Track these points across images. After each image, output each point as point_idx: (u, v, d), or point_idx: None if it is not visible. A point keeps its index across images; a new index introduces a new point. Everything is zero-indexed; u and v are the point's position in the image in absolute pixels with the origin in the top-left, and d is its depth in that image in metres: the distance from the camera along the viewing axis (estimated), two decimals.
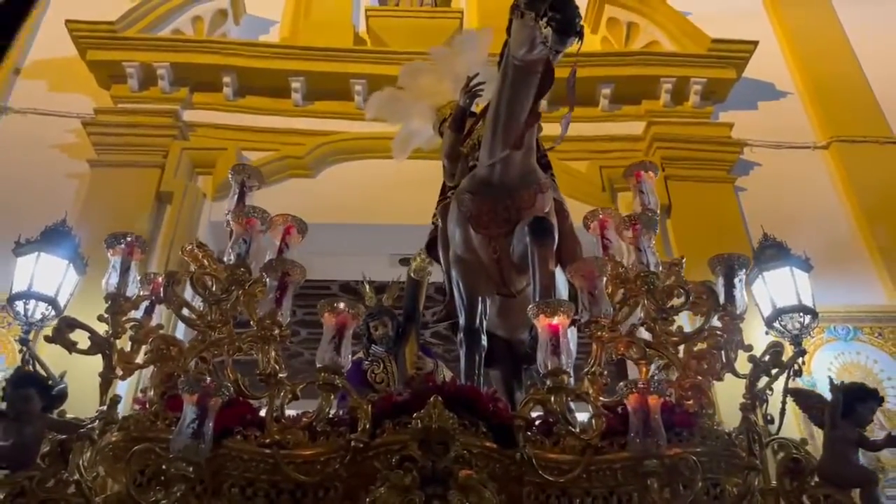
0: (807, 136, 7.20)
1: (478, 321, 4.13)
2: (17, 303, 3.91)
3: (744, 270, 3.61)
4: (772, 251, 3.75)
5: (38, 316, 3.94)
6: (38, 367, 3.56)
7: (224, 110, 7.01)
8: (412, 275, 4.65)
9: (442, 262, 4.52)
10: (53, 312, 3.87)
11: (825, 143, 7.12)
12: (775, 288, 3.68)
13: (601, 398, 3.34)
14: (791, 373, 3.55)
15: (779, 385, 3.58)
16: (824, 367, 5.61)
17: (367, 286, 4.93)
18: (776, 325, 3.71)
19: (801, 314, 3.68)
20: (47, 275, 3.87)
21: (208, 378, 3.09)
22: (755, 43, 7.07)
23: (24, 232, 4.01)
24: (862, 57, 7.61)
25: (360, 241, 6.61)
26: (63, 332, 3.41)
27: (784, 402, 3.57)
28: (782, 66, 7.61)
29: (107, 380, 3.34)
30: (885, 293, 6.17)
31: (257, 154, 6.76)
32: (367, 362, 4.68)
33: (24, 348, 3.60)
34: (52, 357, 3.71)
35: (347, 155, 7.00)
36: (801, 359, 3.66)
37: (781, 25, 7.87)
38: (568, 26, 3.14)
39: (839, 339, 5.82)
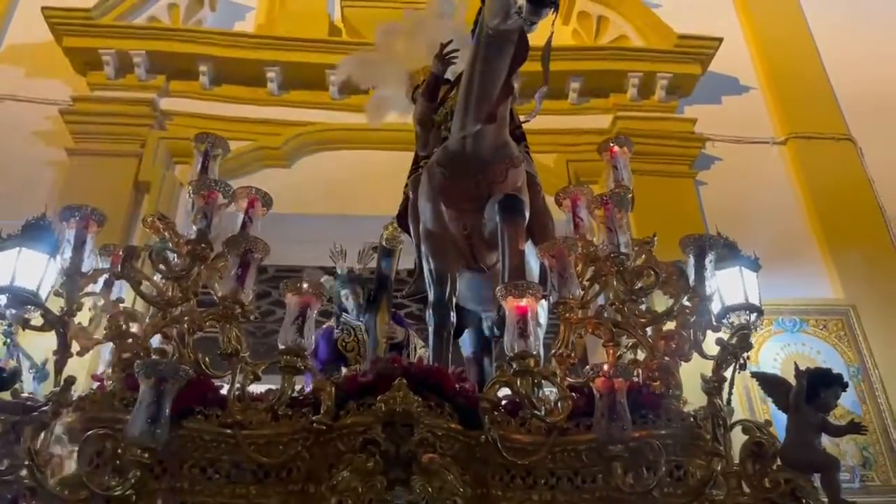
0: (766, 132, 7.06)
1: (447, 296, 3.87)
2: None
3: (714, 252, 3.37)
4: (723, 251, 3.55)
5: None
6: (21, 358, 3.26)
7: (201, 99, 6.75)
8: (384, 243, 4.38)
9: (412, 235, 4.25)
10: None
11: (783, 138, 6.99)
12: (725, 286, 3.48)
13: (568, 378, 3.13)
14: (737, 367, 3.33)
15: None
16: (770, 358, 5.61)
17: (340, 255, 4.65)
18: (724, 321, 3.50)
19: (748, 312, 3.46)
20: (29, 269, 3.61)
21: (164, 362, 2.81)
22: (720, 39, 6.90)
23: (4, 221, 3.77)
24: (825, 54, 7.45)
25: (335, 230, 6.31)
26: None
27: (730, 393, 3.35)
28: (747, 61, 7.44)
29: (62, 359, 3.04)
30: (831, 287, 6.16)
31: (234, 144, 6.25)
32: (338, 331, 4.42)
33: (9, 340, 3.32)
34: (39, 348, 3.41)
35: (323, 145, 6.81)
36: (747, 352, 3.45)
37: (748, 20, 7.69)
38: None
39: (786, 330, 5.82)
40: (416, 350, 4.37)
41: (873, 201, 6.64)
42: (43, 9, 6.59)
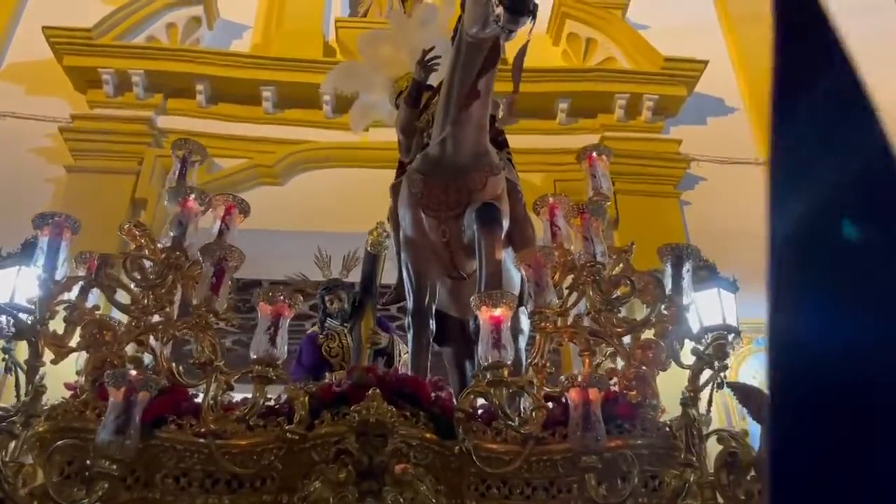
0: (751, 153, 6.90)
1: (426, 304, 3.76)
2: None
3: (691, 261, 3.26)
4: (703, 273, 3.44)
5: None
6: (20, 374, 3.13)
7: (197, 117, 6.66)
8: (368, 248, 4.24)
9: (392, 242, 4.13)
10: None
11: (766, 159, 6.82)
12: (704, 307, 3.38)
13: (545, 388, 3.02)
14: (714, 386, 3.21)
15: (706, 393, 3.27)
16: (749, 376, 5.50)
17: (324, 260, 4.54)
18: (703, 341, 3.39)
19: (726, 332, 3.36)
20: (28, 286, 3.54)
21: (137, 371, 2.70)
22: (705, 63, 6.81)
23: (3, 237, 3.70)
24: None
25: (328, 247, 6.25)
26: None
27: (710, 403, 3.23)
28: (732, 83, 7.31)
29: (32, 368, 2.92)
30: None
31: (229, 161, 6.50)
32: (321, 336, 4.28)
33: (7, 356, 3.20)
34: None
35: (316, 163, 6.73)
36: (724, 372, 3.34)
37: (734, 42, 7.57)
38: (521, 5, 2.82)
39: (765, 349, 5.60)
40: (400, 356, 4.25)
41: None
42: (44, 28, 6.52)
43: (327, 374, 4.07)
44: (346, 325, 4.29)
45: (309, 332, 4.41)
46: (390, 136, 6.70)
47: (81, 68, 6.60)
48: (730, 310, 3.35)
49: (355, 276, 4.44)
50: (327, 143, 6.70)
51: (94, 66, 6.58)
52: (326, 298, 4.33)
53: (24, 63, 6.85)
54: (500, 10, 2.88)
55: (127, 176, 6.24)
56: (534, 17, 2.90)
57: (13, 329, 3.17)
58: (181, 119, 6.65)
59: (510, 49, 3.31)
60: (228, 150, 6.46)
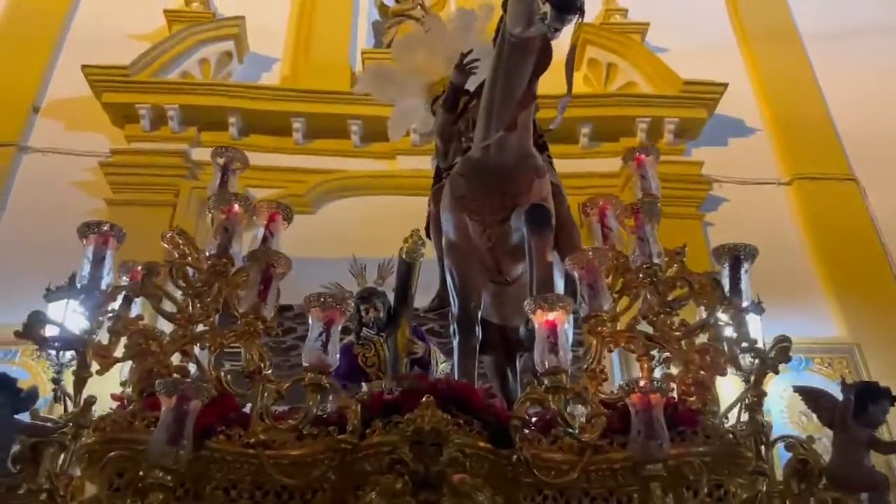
0: (772, 173, 6.72)
1: (472, 309, 3.53)
2: None
3: (750, 261, 3.04)
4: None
5: (67, 357, 3.65)
6: (68, 402, 2.94)
7: None
8: (404, 256, 4.03)
9: (435, 248, 3.92)
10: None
11: (788, 179, 6.67)
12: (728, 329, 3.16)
13: (600, 394, 2.79)
14: (742, 406, 2.96)
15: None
16: (777, 396, 5.15)
17: (359, 268, 4.33)
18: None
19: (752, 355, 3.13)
20: (76, 319, 3.37)
21: (187, 379, 2.50)
22: (725, 85, 6.64)
23: (48, 269, 3.55)
24: (828, 97, 7.13)
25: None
26: (34, 327, 2.78)
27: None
28: (752, 104, 7.12)
29: (80, 378, 2.73)
30: (836, 326, 5.84)
31: (262, 191, 6.25)
32: (357, 346, 4.03)
33: (56, 387, 3.04)
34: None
35: (346, 192, 6.63)
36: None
37: (753, 64, 7.40)
38: (569, 3, 2.64)
39: (792, 369, 5.33)
40: (437, 365, 4.02)
41: (877, 241, 6.34)
42: (83, 67, 6.49)
43: (363, 383, 3.88)
44: (381, 334, 4.06)
45: (344, 341, 4.17)
46: (417, 164, 6.64)
47: (119, 104, 6.55)
48: (756, 332, 3.13)
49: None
50: (356, 172, 6.63)
51: (131, 101, 6.53)
52: (362, 308, 4.09)
53: (63, 100, 6.79)
54: (546, 7, 2.70)
55: (164, 208, 6.15)
56: (581, 15, 2.73)
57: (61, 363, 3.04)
58: None
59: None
60: (261, 181, 6.28)
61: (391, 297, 4.15)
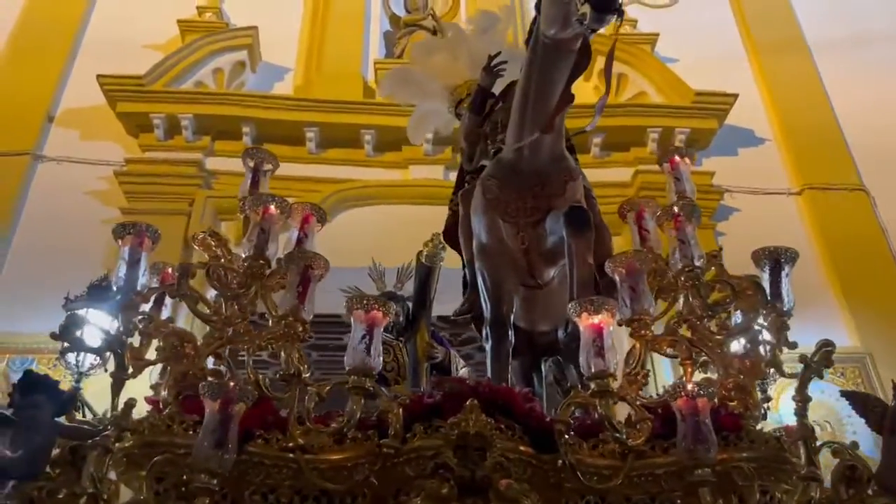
0: (782, 183, 6.76)
1: (505, 312, 3.45)
2: (69, 355, 4.11)
3: (790, 265, 2.97)
4: None
5: (87, 365, 4.11)
6: (86, 410, 2.99)
7: None
8: (423, 260, 3.98)
9: (463, 251, 3.83)
10: (100, 361, 3.89)
11: (798, 189, 6.69)
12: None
13: (640, 398, 2.72)
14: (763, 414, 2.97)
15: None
16: (790, 405, 5.00)
17: (379, 272, 4.26)
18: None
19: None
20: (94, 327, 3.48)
21: (231, 382, 2.42)
22: (735, 96, 6.68)
23: (65, 276, 3.49)
24: (837, 107, 7.16)
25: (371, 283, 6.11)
26: (70, 329, 2.71)
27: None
28: (762, 115, 7.16)
29: (118, 380, 2.64)
30: (847, 335, 5.86)
31: None
32: None
33: (77, 394, 2.99)
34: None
35: (359, 201, 6.65)
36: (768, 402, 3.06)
37: (763, 75, 7.44)
38: (608, 2, 2.58)
39: None
40: (457, 370, 3.96)
41: (887, 250, 6.37)
42: (98, 76, 6.51)
43: (383, 388, 3.78)
44: (400, 339, 4.00)
45: None
46: (430, 173, 6.63)
47: (133, 114, 6.58)
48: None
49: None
50: (369, 181, 6.65)
51: (146, 111, 6.57)
52: None
53: (78, 109, 6.80)
54: (585, 8, 2.64)
55: (179, 216, 6.15)
56: (620, 15, 2.67)
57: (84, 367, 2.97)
58: (229, 160, 6.43)
59: None
60: (274, 190, 6.14)
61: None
